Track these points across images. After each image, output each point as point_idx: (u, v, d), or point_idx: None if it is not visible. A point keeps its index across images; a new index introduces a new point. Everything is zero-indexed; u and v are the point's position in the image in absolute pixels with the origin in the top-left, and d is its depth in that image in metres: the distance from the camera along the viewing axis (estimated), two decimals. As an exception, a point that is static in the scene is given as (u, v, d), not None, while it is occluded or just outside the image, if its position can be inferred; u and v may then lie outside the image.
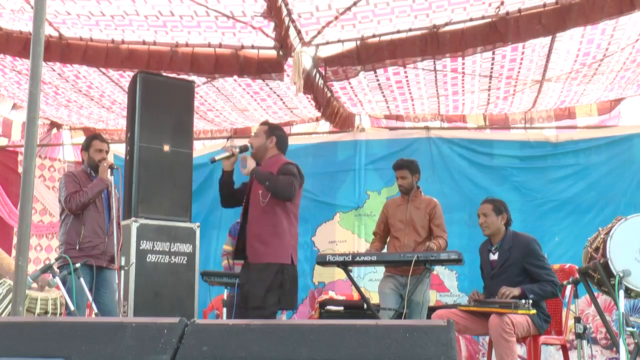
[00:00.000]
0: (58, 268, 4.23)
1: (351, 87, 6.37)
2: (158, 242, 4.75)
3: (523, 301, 4.15)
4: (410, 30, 5.12)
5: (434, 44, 5.07)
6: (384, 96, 6.68)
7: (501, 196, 5.18)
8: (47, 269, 3.92)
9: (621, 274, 3.65)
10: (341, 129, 7.30)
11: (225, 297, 5.27)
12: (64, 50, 5.45)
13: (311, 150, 7.32)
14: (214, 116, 7.40)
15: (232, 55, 5.51)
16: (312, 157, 7.26)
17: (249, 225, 4.31)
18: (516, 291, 4.28)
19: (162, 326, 2.06)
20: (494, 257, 4.60)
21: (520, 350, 5.33)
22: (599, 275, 3.89)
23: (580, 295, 4.19)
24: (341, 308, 5.91)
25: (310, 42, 5.31)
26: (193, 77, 5.82)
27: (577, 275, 4.20)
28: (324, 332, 1.97)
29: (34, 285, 4.30)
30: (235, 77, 5.94)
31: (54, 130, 8.15)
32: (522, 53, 5.48)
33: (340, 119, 6.98)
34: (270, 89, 6.41)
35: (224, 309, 5.22)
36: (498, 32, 4.89)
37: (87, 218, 4.81)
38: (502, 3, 4.71)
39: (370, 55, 5.28)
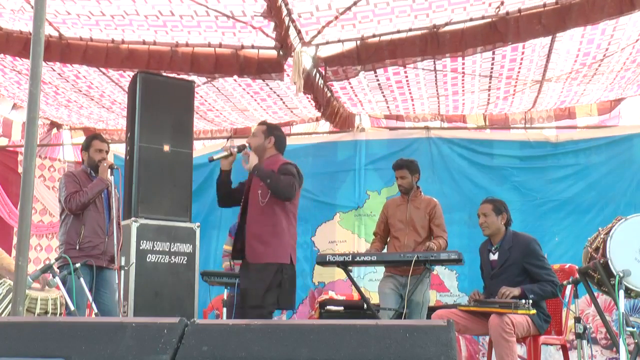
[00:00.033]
0: (58, 268, 4.23)
1: (351, 87, 6.37)
2: (158, 242, 4.75)
3: (523, 301, 4.15)
4: (410, 30, 5.12)
5: (434, 44, 5.07)
6: (384, 96, 6.68)
7: (501, 196, 5.18)
8: (47, 269, 3.92)
9: (621, 274, 3.65)
10: (341, 129, 7.30)
11: (225, 297, 5.27)
12: (64, 50, 5.45)
13: (311, 150, 7.32)
14: (214, 116, 7.40)
15: (232, 55, 5.51)
16: (312, 157, 7.26)
17: (248, 225, 4.30)
18: (516, 291, 4.28)
19: (162, 326, 2.06)
20: (494, 257, 4.61)
21: (520, 350, 5.33)
22: (599, 275, 3.89)
23: (580, 295, 4.19)
24: (341, 308, 5.91)
25: (310, 42, 5.31)
26: (193, 77, 5.82)
27: (577, 275, 4.20)
28: (324, 332, 1.97)
29: (35, 285, 4.30)
30: (235, 77, 5.93)
31: (54, 130, 8.15)
32: (522, 53, 5.48)
33: (340, 119, 6.98)
34: (270, 89, 6.41)
35: (224, 309, 5.22)
36: (498, 32, 4.88)
37: (87, 218, 4.81)
38: (502, 3, 4.71)
39: (370, 55, 5.28)
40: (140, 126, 4.88)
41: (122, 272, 4.41)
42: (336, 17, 4.86)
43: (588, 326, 4.71)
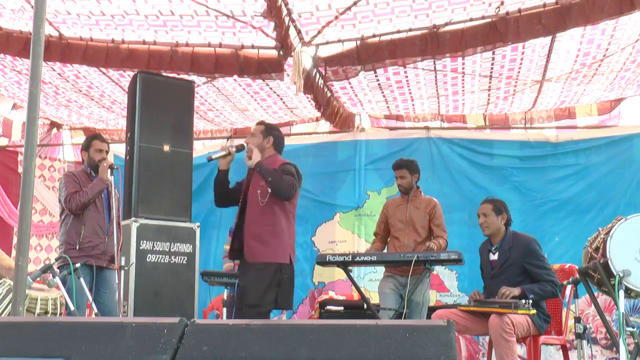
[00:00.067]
0: (58, 268, 4.23)
1: (351, 87, 6.37)
2: (158, 242, 4.75)
3: (523, 301, 4.15)
4: (410, 30, 5.12)
5: (434, 44, 5.07)
6: (384, 96, 6.68)
7: (501, 196, 5.18)
8: (47, 269, 3.92)
9: (621, 274, 3.65)
10: (341, 129, 7.30)
11: (225, 297, 5.27)
12: (64, 50, 5.45)
13: (311, 150, 7.32)
14: (214, 116, 7.40)
15: (232, 55, 5.51)
16: (312, 157, 7.26)
17: (247, 225, 4.29)
18: (516, 291, 4.28)
19: (162, 326, 2.06)
20: (494, 257, 4.61)
21: (520, 350, 5.33)
22: (599, 275, 3.89)
23: (580, 295, 4.19)
24: (341, 308, 5.91)
25: (310, 42, 5.31)
26: (193, 77, 5.82)
27: (577, 275, 4.20)
28: (324, 332, 1.97)
29: (35, 285, 4.30)
30: (235, 76, 5.93)
31: (54, 130, 8.15)
32: (522, 53, 5.48)
33: (340, 119, 6.98)
34: (270, 88, 6.41)
35: (224, 309, 5.21)
36: (498, 32, 4.88)
37: (87, 218, 4.81)
38: (502, 3, 4.71)
39: (370, 55, 5.27)
40: (140, 126, 4.88)
41: (122, 272, 4.41)
42: (336, 17, 4.86)
43: (588, 326, 4.71)
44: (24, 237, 2.87)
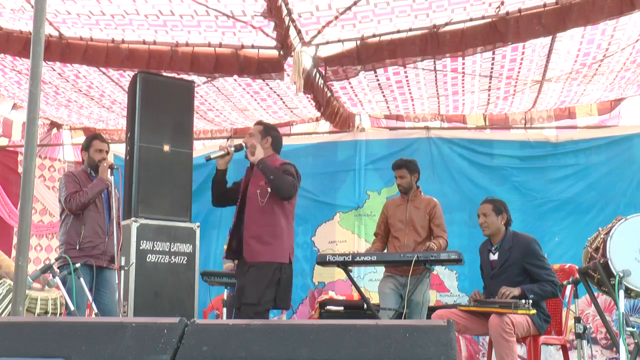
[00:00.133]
0: (58, 268, 4.23)
1: (351, 87, 6.37)
2: (158, 242, 4.75)
3: (523, 301, 4.15)
4: (410, 30, 5.12)
5: (434, 43, 5.07)
6: (384, 96, 6.68)
7: (501, 196, 5.18)
8: (47, 269, 3.92)
9: (621, 274, 3.65)
10: (341, 129, 7.30)
11: (225, 297, 5.28)
12: (64, 50, 5.45)
13: (311, 150, 7.32)
14: (214, 116, 7.40)
15: (232, 54, 5.51)
16: (312, 157, 7.27)
17: (247, 225, 4.28)
18: (516, 291, 4.28)
19: (162, 326, 2.06)
20: (494, 257, 4.60)
21: (520, 350, 5.33)
22: (599, 275, 3.89)
23: (580, 295, 4.19)
24: (341, 308, 5.91)
25: (311, 42, 5.31)
26: (193, 77, 5.82)
27: (577, 275, 4.20)
28: (324, 332, 1.97)
29: (35, 285, 4.30)
30: (235, 76, 5.93)
31: (54, 130, 8.15)
32: (522, 53, 5.48)
33: (340, 119, 6.98)
34: (270, 88, 6.41)
35: (224, 309, 5.22)
36: (498, 32, 4.88)
37: (87, 218, 4.81)
38: (502, 3, 4.71)
39: (370, 55, 5.27)
40: (140, 126, 4.88)
41: (122, 272, 4.41)
42: (336, 17, 4.86)
43: (588, 326, 4.71)
44: (24, 237, 2.87)
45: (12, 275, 3.89)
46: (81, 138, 7.65)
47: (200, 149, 7.53)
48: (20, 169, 7.45)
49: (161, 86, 5.06)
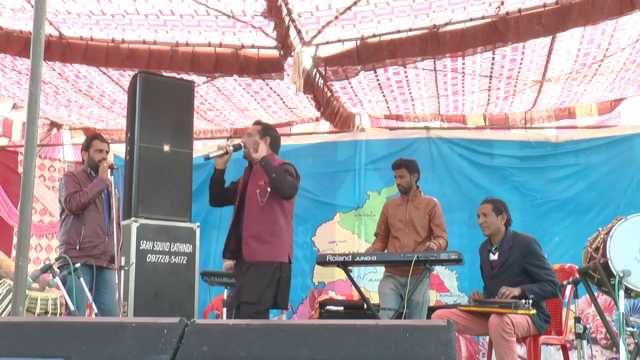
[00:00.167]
0: (58, 268, 4.23)
1: (351, 87, 6.37)
2: (158, 242, 4.75)
3: (523, 301, 4.15)
4: (410, 30, 5.12)
5: (434, 43, 5.07)
6: (384, 96, 6.68)
7: (501, 196, 5.18)
8: (47, 269, 3.92)
9: (621, 274, 3.66)
10: (341, 129, 7.30)
11: (225, 297, 5.28)
12: (64, 50, 5.45)
13: (311, 150, 7.32)
14: (214, 116, 7.40)
15: (232, 54, 5.51)
16: (312, 157, 7.27)
17: (246, 224, 4.27)
18: (516, 291, 4.28)
19: (162, 326, 2.06)
20: (494, 257, 4.60)
21: (520, 350, 5.33)
22: (599, 275, 3.89)
23: (580, 295, 4.19)
24: (341, 308, 5.91)
25: (311, 42, 5.31)
26: (193, 77, 5.82)
27: (577, 275, 4.20)
28: (324, 332, 1.97)
29: (35, 285, 4.30)
30: (235, 76, 5.93)
31: (54, 130, 8.15)
32: (522, 53, 5.48)
33: (340, 119, 6.98)
34: (271, 88, 6.41)
35: (224, 309, 5.22)
36: (498, 32, 4.88)
37: (87, 218, 4.81)
38: (502, 3, 4.71)
39: (370, 55, 5.27)
40: (140, 126, 4.88)
41: (122, 272, 4.41)
42: (336, 17, 4.86)
43: (588, 326, 4.71)
44: (24, 237, 2.87)
45: (12, 275, 3.89)
46: (81, 138, 7.65)
47: (200, 149, 7.53)
48: (20, 169, 7.45)
49: (161, 86, 5.07)
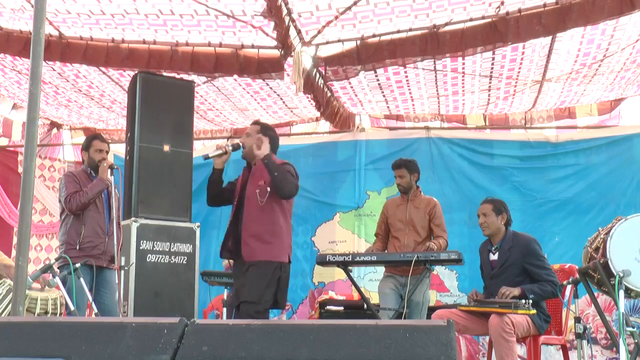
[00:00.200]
0: (58, 268, 4.23)
1: (351, 87, 6.37)
2: (158, 242, 4.75)
3: (523, 301, 4.15)
4: (410, 30, 5.12)
5: (434, 43, 5.07)
6: (384, 96, 6.68)
7: (501, 196, 5.18)
8: (47, 269, 3.91)
9: (621, 274, 3.66)
10: (341, 129, 7.29)
11: (225, 297, 5.28)
12: (64, 50, 5.45)
13: (311, 150, 7.32)
14: (214, 116, 7.40)
15: (232, 54, 5.51)
16: (312, 157, 7.27)
17: (246, 224, 4.26)
18: (516, 291, 4.28)
19: (162, 326, 2.06)
20: (494, 257, 4.60)
21: (520, 350, 5.33)
22: (599, 275, 3.89)
23: (580, 295, 4.19)
24: (341, 308, 5.91)
25: (311, 42, 5.31)
26: (193, 77, 5.82)
27: (577, 275, 4.20)
28: (324, 332, 1.97)
29: (35, 285, 4.29)
30: (235, 76, 5.93)
31: (54, 130, 8.15)
32: (522, 53, 5.48)
33: (340, 119, 6.98)
34: (271, 88, 6.41)
35: (224, 309, 5.22)
36: (498, 32, 4.88)
37: (87, 218, 4.81)
38: (502, 3, 4.71)
39: (370, 55, 5.27)
40: (140, 126, 4.88)
41: (122, 272, 4.41)
42: (336, 17, 4.86)
43: (588, 326, 4.71)
44: (24, 237, 2.87)
45: (12, 275, 3.89)
46: (81, 138, 7.65)
47: (200, 149, 7.52)
48: (20, 169, 7.45)
49: (161, 86, 5.07)
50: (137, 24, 5.16)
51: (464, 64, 5.69)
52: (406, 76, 6.06)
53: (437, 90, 6.47)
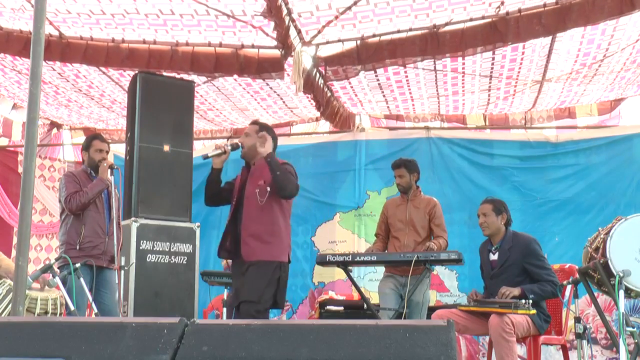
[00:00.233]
0: (58, 268, 4.23)
1: (351, 87, 6.37)
2: (158, 242, 4.75)
3: (523, 301, 4.15)
4: (410, 30, 5.12)
5: (434, 43, 5.07)
6: (384, 96, 6.68)
7: (501, 196, 5.18)
8: (47, 269, 3.91)
9: (621, 274, 3.66)
10: (341, 129, 7.29)
11: (225, 297, 5.28)
12: (64, 50, 5.45)
13: (311, 150, 7.32)
14: (214, 116, 7.40)
15: (233, 54, 5.51)
16: (312, 157, 7.27)
17: (245, 224, 4.25)
18: (516, 291, 4.28)
19: (162, 326, 2.06)
20: (494, 257, 4.60)
21: (520, 350, 5.33)
22: (599, 275, 3.89)
23: (580, 295, 4.19)
24: (341, 308, 5.91)
25: (311, 42, 5.31)
26: (193, 77, 5.82)
27: (577, 275, 4.20)
28: (324, 332, 1.97)
29: (35, 285, 4.30)
30: (236, 76, 5.93)
31: (54, 130, 8.15)
32: (522, 53, 5.48)
33: (340, 119, 6.98)
34: (271, 88, 6.41)
35: (224, 309, 5.22)
36: (498, 32, 4.88)
37: (87, 218, 4.81)
38: (502, 3, 4.71)
39: (370, 54, 5.27)
40: (140, 126, 4.88)
41: (122, 272, 4.41)
42: (336, 17, 4.86)
43: (588, 326, 4.71)
44: (24, 237, 2.87)
45: (12, 275, 3.89)
46: (81, 138, 7.65)
47: (200, 149, 7.52)
48: (20, 169, 7.45)
49: (161, 86, 5.07)
50: (137, 24, 5.16)
51: (464, 64, 5.69)
52: (406, 76, 6.07)
53: (437, 90, 6.47)
